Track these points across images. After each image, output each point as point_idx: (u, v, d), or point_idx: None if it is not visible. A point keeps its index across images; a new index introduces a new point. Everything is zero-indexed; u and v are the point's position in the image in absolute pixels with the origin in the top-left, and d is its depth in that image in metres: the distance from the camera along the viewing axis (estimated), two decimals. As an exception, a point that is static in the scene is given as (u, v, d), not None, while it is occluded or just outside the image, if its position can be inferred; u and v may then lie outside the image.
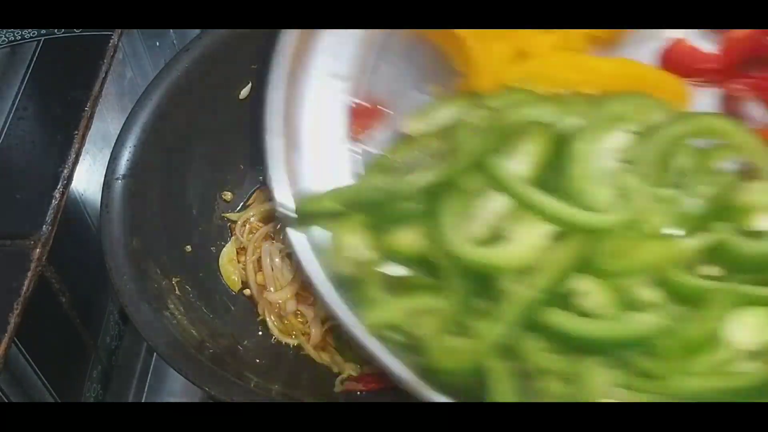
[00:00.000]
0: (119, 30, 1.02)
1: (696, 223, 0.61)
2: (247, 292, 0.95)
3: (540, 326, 0.59)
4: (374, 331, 0.62)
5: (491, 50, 0.72)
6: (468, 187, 0.62)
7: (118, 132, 0.95)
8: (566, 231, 0.59)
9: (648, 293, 0.60)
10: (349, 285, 0.65)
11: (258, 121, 0.75)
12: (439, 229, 0.60)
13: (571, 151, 0.61)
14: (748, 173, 0.66)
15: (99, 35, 1.00)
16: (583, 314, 0.59)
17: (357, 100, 0.77)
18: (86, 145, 0.92)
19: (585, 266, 0.59)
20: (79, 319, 0.91)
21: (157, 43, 1.14)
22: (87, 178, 0.95)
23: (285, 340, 0.91)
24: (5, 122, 0.92)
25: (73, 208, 0.89)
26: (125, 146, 0.93)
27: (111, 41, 1.00)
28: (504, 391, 0.59)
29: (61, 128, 0.91)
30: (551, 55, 0.71)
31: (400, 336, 0.62)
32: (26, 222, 0.83)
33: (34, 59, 0.98)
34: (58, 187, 0.86)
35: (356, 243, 0.65)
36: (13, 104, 0.94)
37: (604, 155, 0.62)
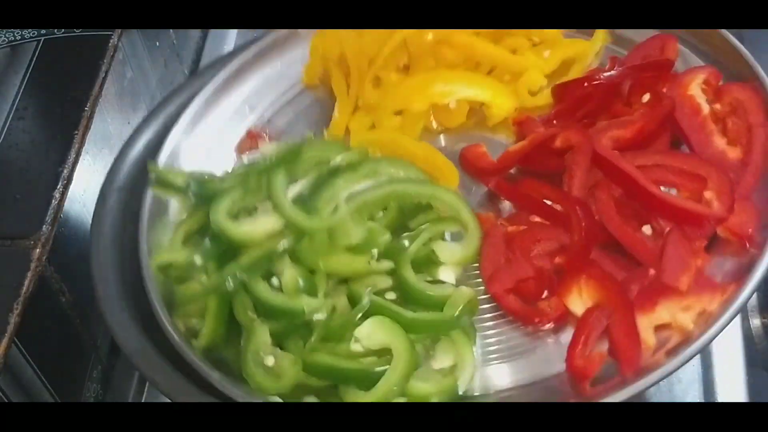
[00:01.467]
0: (119, 30, 1.02)
1: (393, 256, 0.79)
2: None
3: (248, 288, 0.77)
4: (156, 267, 0.81)
5: (354, 119, 0.98)
6: (253, 185, 0.82)
7: (124, 131, 0.96)
8: (290, 226, 0.78)
9: (341, 294, 0.78)
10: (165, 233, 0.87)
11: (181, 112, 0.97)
12: (214, 204, 0.81)
13: (329, 183, 0.81)
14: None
15: (99, 35, 1.00)
16: (277, 288, 0.76)
17: (255, 126, 1.01)
18: (86, 144, 0.92)
19: (292, 254, 0.77)
20: (79, 319, 0.91)
21: (157, 43, 1.14)
22: (87, 178, 0.95)
23: None
24: (5, 122, 0.92)
25: (73, 208, 0.89)
26: (125, 161, 0.93)
27: (111, 41, 1.00)
28: (210, 322, 0.77)
29: (61, 128, 0.91)
30: (388, 134, 0.95)
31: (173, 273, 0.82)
32: (26, 222, 0.83)
33: (34, 59, 0.98)
34: (58, 187, 0.86)
35: (182, 206, 0.88)
36: (13, 104, 0.94)
37: (350, 191, 0.81)
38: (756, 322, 0.91)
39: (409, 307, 0.77)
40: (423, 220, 0.84)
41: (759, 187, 0.80)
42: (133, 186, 0.90)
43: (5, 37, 1.00)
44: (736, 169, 0.81)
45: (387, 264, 0.79)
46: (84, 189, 0.94)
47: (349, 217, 0.78)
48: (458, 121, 0.97)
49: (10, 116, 0.92)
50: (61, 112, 0.93)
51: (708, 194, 0.77)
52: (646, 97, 0.86)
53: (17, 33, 1.00)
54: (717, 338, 0.88)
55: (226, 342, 0.78)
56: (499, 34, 0.99)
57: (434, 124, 0.98)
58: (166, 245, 0.84)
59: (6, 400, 0.80)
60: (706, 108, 0.84)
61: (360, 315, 0.75)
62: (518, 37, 0.99)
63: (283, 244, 0.77)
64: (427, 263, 0.81)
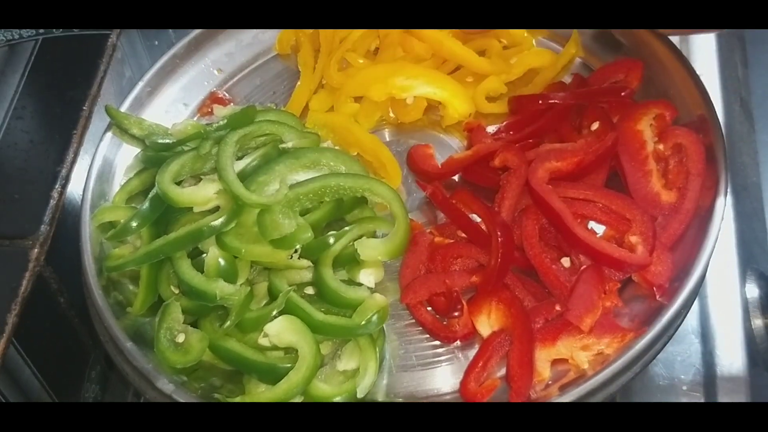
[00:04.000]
0: (118, 30, 1.02)
1: (315, 253, 0.81)
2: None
3: (172, 263, 0.79)
4: (96, 225, 0.84)
5: (315, 98, 1.00)
6: (204, 152, 0.84)
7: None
8: (231, 198, 0.79)
9: (261, 283, 0.81)
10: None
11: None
12: (162, 167, 0.83)
13: (268, 167, 0.82)
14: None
15: (97, 34, 1.00)
16: (198, 270, 0.78)
17: (220, 90, 1.03)
18: (85, 144, 0.91)
19: (218, 237, 0.79)
20: (77, 319, 0.91)
21: (156, 43, 1.14)
22: (86, 178, 0.94)
23: None
24: (3, 121, 0.92)
25: (71, 208, 0.89)
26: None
27: (110, 40, 1.00)
28: (143, 290, 0.80)
29: (60, 128, 0.91)
30: (343, 119, 0.96)
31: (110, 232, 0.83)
32: (24, 222, 0.83)
33: (33, 58, 0.98)
34: (57, 186, 0.86)
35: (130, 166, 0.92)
36: (11, 104, 0.93)
37: (288, 179, 0.82)
38: (757, 322, 0.91)
39: (323, 304, 0.79)
40: (359, 214, 0.85)
41: (682, 236, 0.80)
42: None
43: (4, 36, 1.00)
44: (666, 213, 0.81)
45: (305, 262, 0.80)
46: (83, 189, 0.94)
47: (280, 209, 0.79)
48: (415, 117, 0.98)
49: (9, 115, 0.92)
50: (59, 111, 0.93)
51: (633, 239, 0.78)
52: (595, 125, 0.86)
53: (16, 32, 1.00)
54: (718, 338, 0.89)
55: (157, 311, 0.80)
56: (471, 32, 1.00)
57: (392, 115, 0.99)
58: (108, 204, 0.87)
59: (4, 401, 0.80)
60: (650, 146, 0.84)
61: (275, 312, 0.76)
62: (489, 38, 0.99)
63: (214, 222, 0.78)
64: (350, 262, 0.82)
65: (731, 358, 0.88)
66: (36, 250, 0.81)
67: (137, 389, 0.77)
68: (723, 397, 0.86)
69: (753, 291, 0.92)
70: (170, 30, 1.14)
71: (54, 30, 1.00)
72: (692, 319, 0.90)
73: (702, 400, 0.86)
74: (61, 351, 0.91)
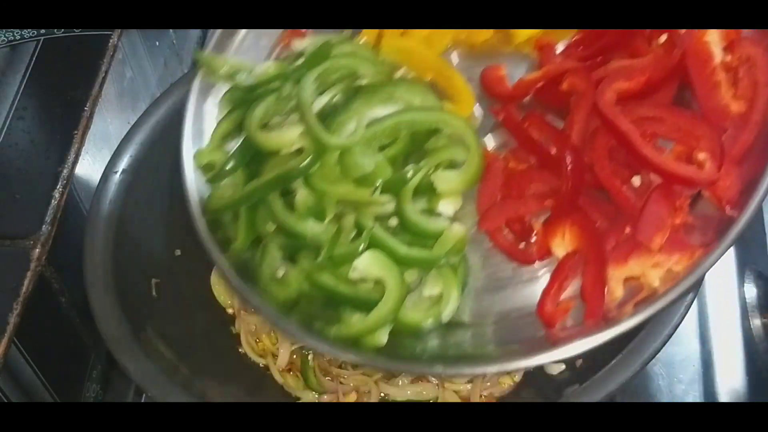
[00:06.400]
0: (119, 30, 1.02)
1: (395, 188, 0.81)
2: (229, 310, 1.00)
3: (267, 203, 0.81)
4: (199, 166, 0.85)
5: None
6: (285, 93, 0.85)
7: (124, 131, 0.96)
8: (312, 140, 0.80)
9: (349, 216, 0.81)
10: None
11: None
12: (248, 112, 0.85)
13: (346, 106, 0.83)
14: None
15: (98, 35, 1.00)
16: (291, 207, 0.80)
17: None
18: (86, 145, 0.92)
19: (305, 178, 0.80)
20: (78, 319, 0.91)
21: (157, 43, 1.14)
22: (87, 178, 0.95)
23: (255, 359, 0.97)
24: (4, 122, 0.92)
25: (72, 208, 0.89)
26: (132, 142, 0.94)
27: (111, 41, 1.00)
28: (243, 229, 0.82)
29: (61, 128, 0.91)
30: (416, 45, 0.93)
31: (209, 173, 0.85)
32: (26, 222, 0.83)
33: (34, 59, 0.98)
34: (58, 187, 0.86)
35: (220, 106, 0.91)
36: (12, 104, 0.94)
37: (364, 117, 0.83)
38: (756, 322, 0.91)
39: (405, 235, 0.81)
40: (435, 143, 0.86)
41: (751, 148, 0.77)
42: (134, 171, 0.93)
43: (5, 36, 1.00)
44: (736, 125, 0.78)
45: (387, 197, 0.82)
46: (84, 189, 0.94)
47: (359, 149, 0.80)
48: (485, 36, 0.94)
49: (10, 116, 0.92)
50: (60, 112, 0.93)
51: (701, 155, 0.76)
52: (663, 38, 0.84)
53: (17, 33, 1.00)
54: (717, 338, 0.90)
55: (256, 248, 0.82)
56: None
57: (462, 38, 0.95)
58: (206, 145, 0.87)
59: (5, 400, 0.80)
60: (717, 57, 0.81)
61: (361, 247, 0.78)
62: None
63: (300, 165, 0.80)
64: (429, 191, 0.83)
65: (730, 358, 0.88)
66: (37, 250, 0.82)
67: (138, 388, 0.78)
68: (721, 397, 0.86)
69: (751, 291, 0.92)
70: (171, 30, 1.14)
71: (55, 30, 1.01)
72: (691, 318, 0.91)
73: (700, 400, 0.87)
74: (62, 350, 0.91)
